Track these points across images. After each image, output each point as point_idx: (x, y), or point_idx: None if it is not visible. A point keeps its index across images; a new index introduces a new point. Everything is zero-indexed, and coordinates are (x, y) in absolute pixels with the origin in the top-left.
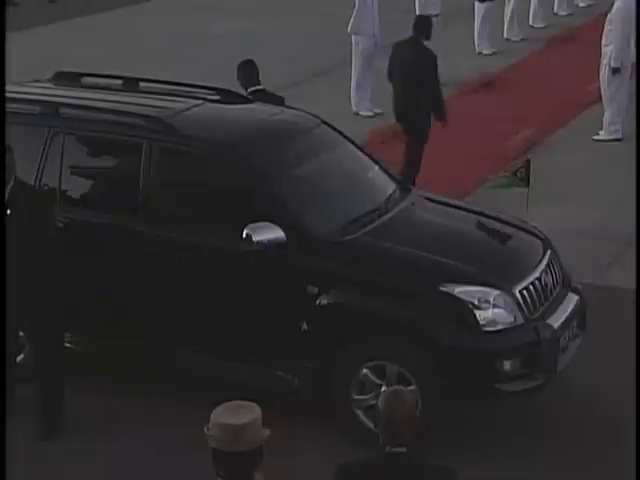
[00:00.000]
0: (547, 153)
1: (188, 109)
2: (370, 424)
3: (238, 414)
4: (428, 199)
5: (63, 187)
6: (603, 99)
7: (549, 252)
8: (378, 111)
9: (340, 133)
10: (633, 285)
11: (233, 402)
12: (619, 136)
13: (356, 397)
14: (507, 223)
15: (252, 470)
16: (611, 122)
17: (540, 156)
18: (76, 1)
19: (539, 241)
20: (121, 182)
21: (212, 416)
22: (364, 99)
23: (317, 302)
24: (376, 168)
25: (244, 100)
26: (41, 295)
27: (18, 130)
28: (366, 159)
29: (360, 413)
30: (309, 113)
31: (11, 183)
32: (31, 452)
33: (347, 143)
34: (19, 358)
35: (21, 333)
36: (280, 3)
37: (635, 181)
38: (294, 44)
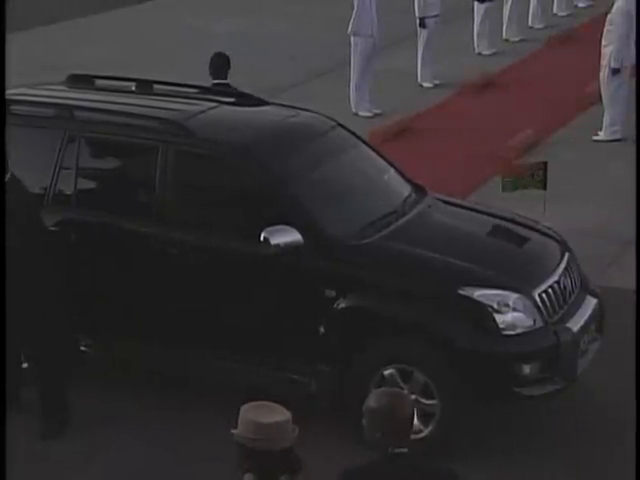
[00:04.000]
0: (547, 154)
1: (204, 112)
2: None
3: (272, 414)
4: (444, 201)
5: (78, 190)
6: (603, 100)
7: (567, 255)
8: (377, 111)
9: (355, 135)
10: (633, 286)
11: (263, 402)
12: (619, 137)
13: None
14: (524, 225)
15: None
16: (611, 123)
17: (540, 157)
18: (77, 1)
19: (557, 244)
20: (137, 185)
21: (250, 417)
22: (363, 100)
23: (335, 305)
24: (391, 170)
25: (259, 102)
26: (41, 298)
27: (33, 133)
28: (381, 161)
29: None
30: (324, 115)
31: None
32: (32, 452)
33: (362, 145)
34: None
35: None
36: (282, 4)
37: (635, 181)
38: (296, 44)
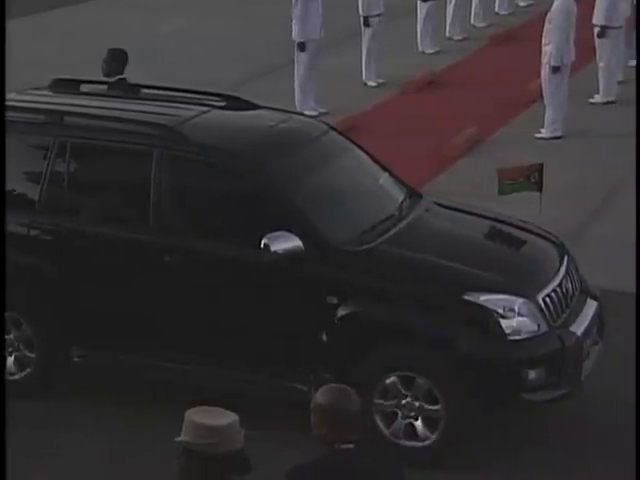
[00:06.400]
0: (489, 151)
1: (196, 116)
2: (387, 432)
3: (221, 417)
4: (440, 205)
5: (68, 197)
6: (544, 98)
7: (567, 258)
8: (323, 110)
9: (348, 139)
10: (631, 287)
11: (206, 407)
12: (560, 134)
13: (377, 401)
14: (522, 229)
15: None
16: (552, 120)
17: (482, 154)
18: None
19: (556, 247)
20: (130, 191)
21: (203, 421)
22: (308, 99)
23: (337, 313)
24: (386, 174)
25: (250, 106)
26: None
27: (21, 139)
28: (376, 165)
29: (378, 419)
30: (317, 119)
31: None
32: None
33: (356, 149)
34: (24, 373)
35: None
36: (226, 3)
37: (635, 181)
38: (240, 44)
